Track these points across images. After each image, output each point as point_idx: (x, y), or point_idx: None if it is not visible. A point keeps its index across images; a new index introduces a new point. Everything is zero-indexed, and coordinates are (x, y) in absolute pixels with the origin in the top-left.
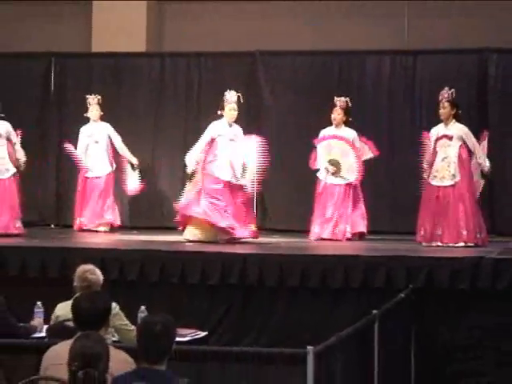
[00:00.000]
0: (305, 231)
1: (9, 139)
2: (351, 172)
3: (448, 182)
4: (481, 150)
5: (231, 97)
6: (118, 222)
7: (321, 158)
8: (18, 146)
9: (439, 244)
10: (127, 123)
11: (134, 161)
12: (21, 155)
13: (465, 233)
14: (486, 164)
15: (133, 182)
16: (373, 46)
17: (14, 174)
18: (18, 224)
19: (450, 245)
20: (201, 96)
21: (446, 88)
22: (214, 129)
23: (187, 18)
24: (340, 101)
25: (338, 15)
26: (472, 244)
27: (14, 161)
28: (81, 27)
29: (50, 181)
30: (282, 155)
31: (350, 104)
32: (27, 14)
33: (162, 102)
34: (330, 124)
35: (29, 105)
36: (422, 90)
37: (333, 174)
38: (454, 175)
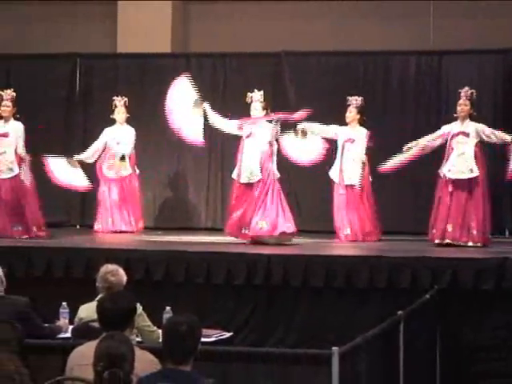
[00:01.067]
0: (330, 232)
1: (17, 140)
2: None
3: (465, 176)
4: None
5: (254, 96)
6: (139, 226)
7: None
8: (20, 149)
9: (448, 241)
10: (152, 124)
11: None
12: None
13: (474, 232)
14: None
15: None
16: (398, 47)
17: (17, 175)
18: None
19: (460, 243)
20: (226, 97)
21: (467, 87)
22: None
23: (212, 18)
24: (353, 100)
25: (362, 16)
26: (479, 244)
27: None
28: (106, 28)
29: None
30: None
31: (363, 103)
32: (52, 15)
33: None
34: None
35: (54, 105)
36: (448, 91)
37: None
38: (471, 169)
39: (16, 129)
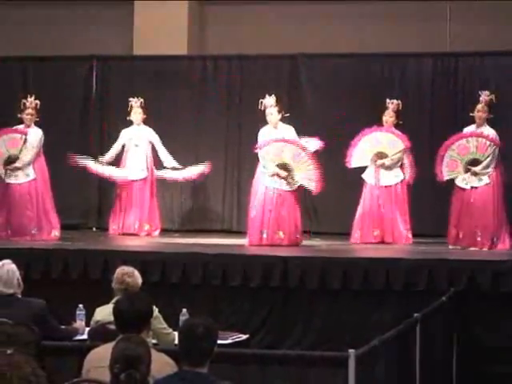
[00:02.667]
0: (347, 234)
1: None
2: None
3: (469, 185)
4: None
5: (267, 102)
6: (155, 234)
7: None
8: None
9: (458, 247)
10: (169, 126)
11: (174, 164)
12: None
13: (479, 239)
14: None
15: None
16: (414, 49)
17: (34, 179)
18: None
19: (467, 249)
20: (242, 99)
21: (488, 91)
22: (259, 135)
23: (229, 20)
24: (392, 103)
25: (379, 18)
26: (485, 249)
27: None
28: (122, 30)
29: (91, 183)
30: (324, 158)
31: (400, 107)
32: (69, 17)
33: (203, 105)
34: (375, 125)
35: (71, 107)
36: (464, 93)
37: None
38: (481, 178)
39: (35, 135)
